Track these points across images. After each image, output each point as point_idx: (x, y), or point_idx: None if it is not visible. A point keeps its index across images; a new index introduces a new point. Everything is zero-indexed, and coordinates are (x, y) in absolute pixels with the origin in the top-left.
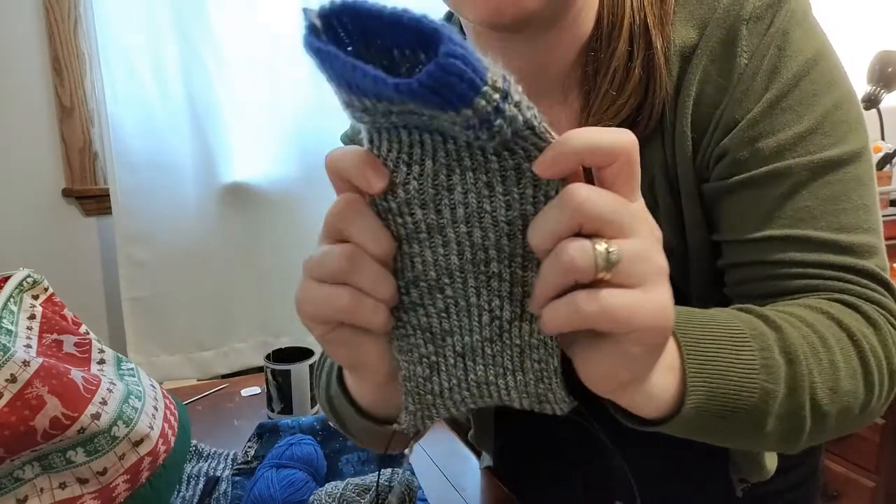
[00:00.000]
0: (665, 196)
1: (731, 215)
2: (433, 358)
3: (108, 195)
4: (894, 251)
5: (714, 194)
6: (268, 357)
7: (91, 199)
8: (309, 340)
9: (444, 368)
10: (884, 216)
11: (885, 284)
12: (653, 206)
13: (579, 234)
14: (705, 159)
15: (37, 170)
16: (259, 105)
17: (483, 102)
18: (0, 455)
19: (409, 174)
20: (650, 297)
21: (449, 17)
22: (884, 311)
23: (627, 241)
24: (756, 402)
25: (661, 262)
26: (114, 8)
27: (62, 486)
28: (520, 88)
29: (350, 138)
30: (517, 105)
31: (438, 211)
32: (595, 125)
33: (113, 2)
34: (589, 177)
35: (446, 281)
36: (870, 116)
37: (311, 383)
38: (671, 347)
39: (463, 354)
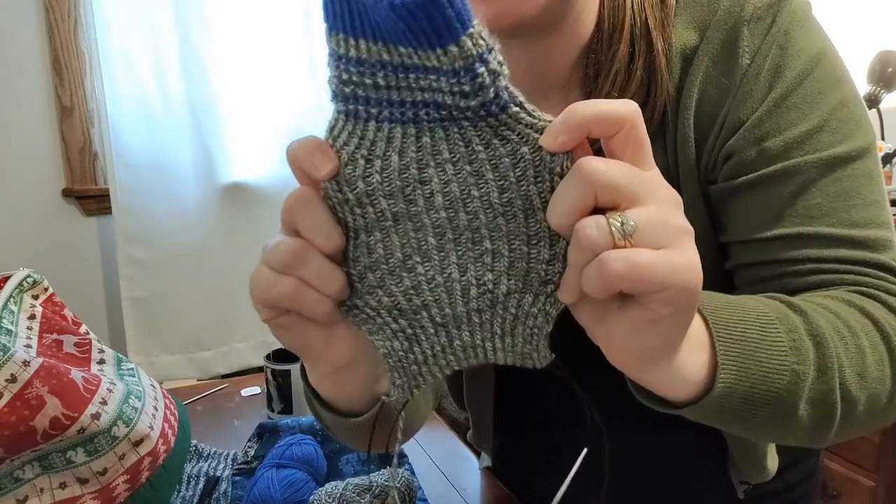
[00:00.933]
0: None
1: (740, 215)
2: (409, 331)
3: (108, 195)
4: None
5: (721, 195)
6: (268, 357)
7: (91, 199)
8: None
9: (424, 338)
10: None
11: None
12: None
13: (597, 210)
14: (710, 161)
15: (37, 170)
16: (259, 105)
17: (469, 43)
18: (0, 455)
19: (369, 167)
20: (676, 256)
21: None
22: None
23: (643, 209)
24: (787, 385)
25: (682, 223)
26: (114, 8)
27: (62, 486)
28: (501, 58)
29: None
30: (500, 68)
31: (410, 201)
32: None
33: (113, 2)
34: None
35: (417, 260)
36: (870, 116)
37: None
38: (699, 325)
39: (444, 324)
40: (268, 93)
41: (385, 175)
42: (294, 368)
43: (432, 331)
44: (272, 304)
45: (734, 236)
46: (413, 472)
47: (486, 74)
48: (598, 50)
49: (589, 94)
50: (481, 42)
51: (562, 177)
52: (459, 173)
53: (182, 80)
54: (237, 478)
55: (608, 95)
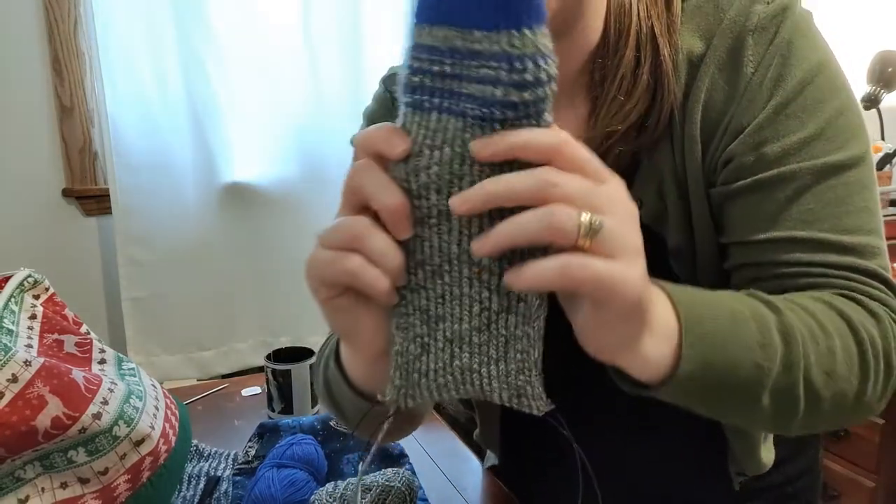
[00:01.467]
0: (674, 198)
1: (737, 218)
2: (425, 339)
3: (108, 195)
4: (894, 251)
5: (721, 198)
6: (268, 357)
7: (91, 199)
8: (309, 340)
9: (433, 351)
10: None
11: (888, 283)
12: (661, 209)
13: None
14: (713, 164)
15: (37, 170)
16: (259, 105)
17: (542, 35)
18: (1, 455)
19: (431, 158)
20: (627, 269)
21: None
22: (886, 308)
23: (605, 218)
24: (749, 377)
25: (636, 238)
26: (114, 8)
27: (63, 485)
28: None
29: (375, 110)
30: (554, 77)
31: (448, 197)
32: (603, 130)
33: (113, 2)
34: None
35: (446, 268)
36: (870, 116)
37: (312, 383)
38: (670, 319)
39: (451, 340)
40: (268, 93)
41: (440, 168)
42: (294, 368)
43: (441, 345)
44: (333, 281)
45: (731, 238)
46: (414, 472)
47: (546, 71)
48: (605, 55)
49: (595, 99)
50: (548, 43)
51: None
52: (481, 174)
53: (182, 80)
54: (238, 478)
55: (614, 100)
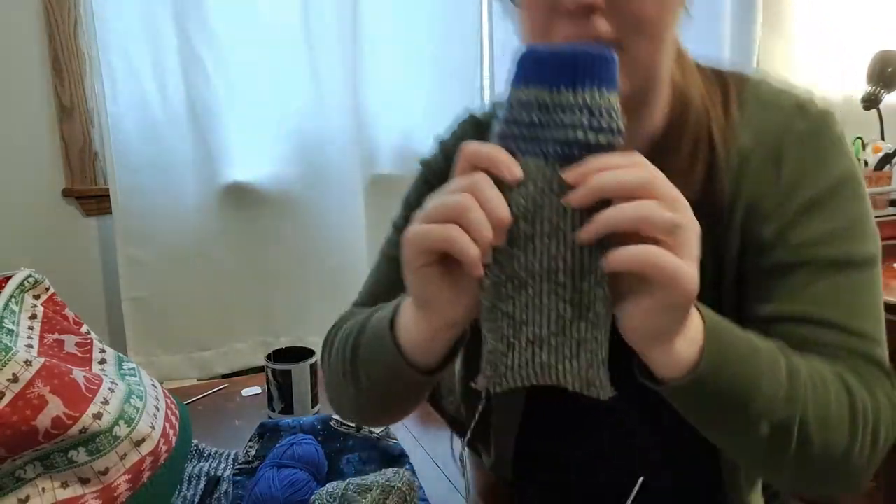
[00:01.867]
0: (710, 276)
1: (759, 296)
2: (511, 340)
3: (108, 195)
4: (894, 251)
5: (749, 274)
6: (268, 357)
7: (91, 199)
8: (309, 340)
9: (517, 350)
10: (884, 216)
11: (885, 371)
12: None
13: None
14: (748, 244)
15: (37, 170)
16: (259, 105)
17: (608, 96)
18: (2, 455)
19: (520, 192)
20: (689, 267)
21: None
22: (882, 390)
23: (682, 215)
24: (753, 398)
25: (697, 249)
26: (114, 8)
27: (64, 485)
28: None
29: (450, 144)
30: (624, 130)
31: (533, 223)
32: None
33: (113, 2)
34: None
35: (530, 282)
36: (870, 116)
37: (312, 383)
38: (699, 328)
39: (533, 342)
40: (268, 93)
41: (527, 200)
42: (294, 368)
43: (524, 345)
44: (430, 247)
45: (754, 313)
46: (414, 472)
47: (617, 123)
48: (666, 147)
49: None
50: (618, 106)
51: None
52: (559, 206)
53: (182, 79)
54: (238, 477)
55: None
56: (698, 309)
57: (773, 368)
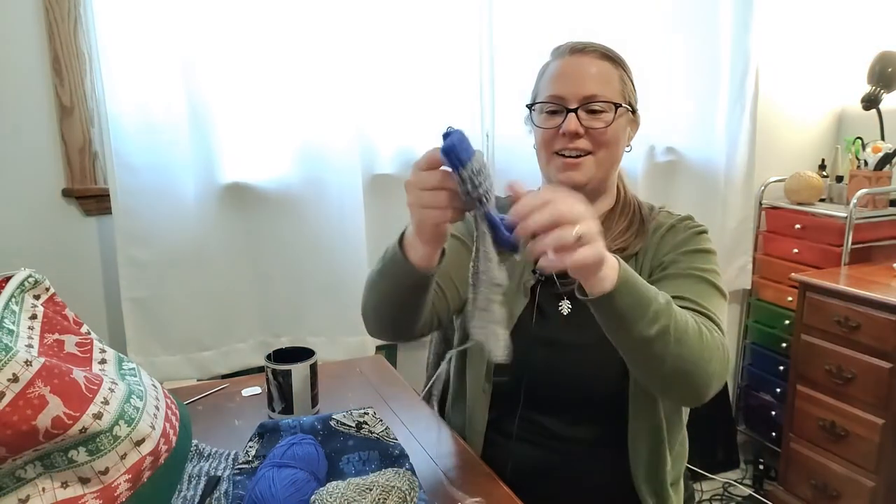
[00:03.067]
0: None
1: (662, 287)
2: (472, 313)
3: (108, 195)
4: (894, 250)
5: (655, 281)
6: (268, 357)
7: (91, 199)
8: (309, 340)
9: (476, 319)
10: (884, 216)
11: (721, 330)
12: None
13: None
14: (655, 268)
15: (37, 170)
16: (259, 105)
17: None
18: (2, 454)
19: (481, 240)
20: (597, 247)
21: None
22: (718, 336)
23: (585, 224)
24: (649, 305)
25: (595, 228)
26: (114, 8)
27: (64, 485)
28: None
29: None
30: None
31: (480, 251)
32: (609, 249)
33: (113, 2)
34: None
35: (479, 286)
36: (870, 116)
37: (312, 383)
38: (615, 269)
39: (480, 319)
40: (268, 93)
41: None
42: (294, 368)
43: (478, 318)
44: (433, 186)
45: None
46: (414, 472)
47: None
48: (613, 217)
49: (604, 235)
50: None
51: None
52: (483, 237)
53: (182, 80)
54: (238, 477)
55: (615, 238)
56: (618, 261)
57: (659, 297)
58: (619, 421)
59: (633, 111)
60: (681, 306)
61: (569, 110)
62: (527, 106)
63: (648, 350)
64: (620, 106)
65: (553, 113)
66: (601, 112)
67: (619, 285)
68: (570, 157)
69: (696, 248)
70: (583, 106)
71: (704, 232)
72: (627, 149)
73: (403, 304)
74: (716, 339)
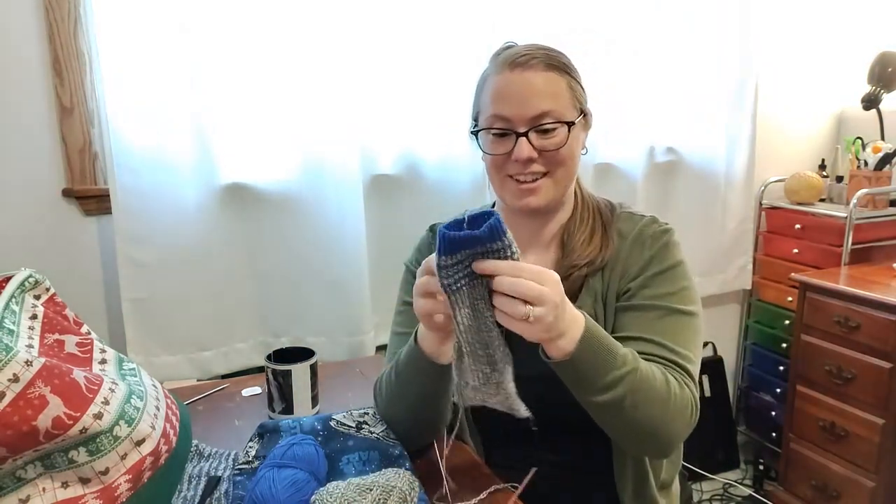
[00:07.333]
0: (600, 305)
1: (625, 322)
2: (462, 384)
3: (108, 195)
4: (894, 250)
5: (619, 309)
6: (268, 357)
7: (91, 199)
8: (309, 340)
9: (467, 389)
10: (884, 216)
11: (693, 379)
12: (594, 311)
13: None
14: (620, 292)
15: (37, 170)
16: (259, 105)
17: (506, 240)
18: (2, 454)
19: (463, 312)
20: (541, 330)
21: (493, 205)
22: (689, 388)
23: (540, 308)
24: (600, 376)
25: (552, 316)
26: (114, 8)
27: (64, 485)
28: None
29: (414, 263)
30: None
31: (475, 318)
32: (570, 265)
33: (113, 2)
34: None
35: (466, 352)
36: (870, 116)
37: (312, 383)
38: (580, 330)
39: (475, 388)
40: (268, 93)
41: (466, 316)
42: (294, 368)
43: (469, 388)
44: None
45: (619, 332)
46: (414, 472)
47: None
48: (573, 228)
49: (563, 247)
50: (511, 239)
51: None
52: (477, 312)
53: (182, 79)
54: (238, 478)
55: (575, 250)
56: (586, 319)
57: (621, 362)
58: (600, 442)
59: (585, 115)
60: (650, 353)
61: (518, 134)
62: (470, 131)
63: (602, 413)
64: (573, 123)
65: (501, 136)
66: (553, 130)
67: (575, 354)
68: (525, 181)
69: (662, 267)
70: (533, 128)
71: (669, 231)
72: (583, 152)
73: (432, 397)
74: (685, 397)
